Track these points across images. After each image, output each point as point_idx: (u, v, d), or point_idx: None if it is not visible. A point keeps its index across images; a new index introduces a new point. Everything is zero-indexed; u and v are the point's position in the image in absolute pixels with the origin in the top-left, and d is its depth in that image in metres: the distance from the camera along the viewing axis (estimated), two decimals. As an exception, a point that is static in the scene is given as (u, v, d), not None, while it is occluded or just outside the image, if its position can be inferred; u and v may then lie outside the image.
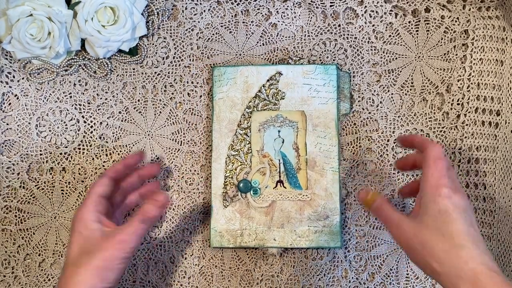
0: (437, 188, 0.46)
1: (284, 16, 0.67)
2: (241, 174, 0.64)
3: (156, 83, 0.67)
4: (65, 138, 0.66)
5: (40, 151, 0.66)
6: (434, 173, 0.47)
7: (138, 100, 0.67)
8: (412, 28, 0.66)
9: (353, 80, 0.66)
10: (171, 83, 0.67)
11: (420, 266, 0.46)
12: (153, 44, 0.67)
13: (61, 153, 0.66)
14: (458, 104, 0.65)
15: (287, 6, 0.67)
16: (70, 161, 0.66)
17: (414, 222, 0.47)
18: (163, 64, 0.67)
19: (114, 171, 0.58)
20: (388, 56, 0.66)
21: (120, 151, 0.66)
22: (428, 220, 0.46)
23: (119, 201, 0.61)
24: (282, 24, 0.67)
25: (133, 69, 0.67)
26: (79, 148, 0.66)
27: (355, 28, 0.67)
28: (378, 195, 0.52)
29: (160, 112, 0.67)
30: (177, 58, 0.67)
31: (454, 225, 0.44)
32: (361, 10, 0.67)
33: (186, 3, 0.67)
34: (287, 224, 0.63)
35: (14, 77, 0.66)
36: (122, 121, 0.67)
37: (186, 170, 0.66)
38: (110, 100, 0.67)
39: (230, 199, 0.64)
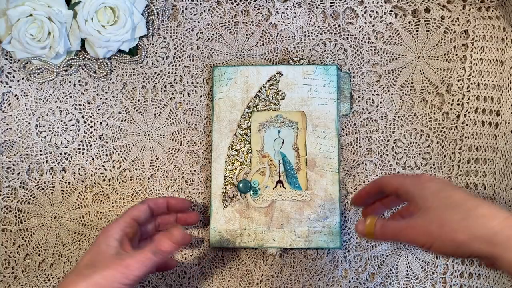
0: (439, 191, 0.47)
1: (284, 16, 0.67)
2: (241, 174, 0.64)
3: (156, 83, 0.67)
4: (65, 138, 0.66)
5: (40, 151, 0.66)
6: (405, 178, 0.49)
7: (138, 100, 0.67)
8: (412, 28, 0.66)
9: (353, 80, 0.66)
10: (171, 83, 0.67)
11: (449, 250, 0.44)
12: (153, 44, 0.67)
13: (61, 153, 0.66)
14: (458, 104, 0.65)
15: (287, 6, 0.67)
16: (70, 161, 0.66)
17: (421, 216, 0.46)
18: (163, 64, 0.67)
19: (155, 202, 0.59)
20: (388, 56, 0.66)
21: (120, 151, 0.66)
22: (434, 204, 0.45)
23: (151, 233, 0.60)
24: (282, 24, 0.67)
25: (133, 69, 0.67)
26: (79, 148, 0.66)
27: (355, 28, 0.67)
28: (374, 217, 0.50)
29: (160, 112, 0.67)
30: (177, 58, 0.67)
31: (457, 194, 0.45)
32: (361, 10, 0.66)
33: (186, 3, 0.67)
34: (286, 224, 0.63)
35: (14, 77, 0.66)
36: (122, 121, 0.67)
37: (186, 170, 0.66)
38: (110, 100, 0.67)
39: (230, 199, 0.64)
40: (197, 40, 0.67)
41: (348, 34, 0.67)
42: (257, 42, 0.67)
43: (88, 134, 0.66)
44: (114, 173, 0.66)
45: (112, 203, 0.66)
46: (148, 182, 0.66)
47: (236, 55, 0.67)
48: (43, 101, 0.66)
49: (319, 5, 0.67)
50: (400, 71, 0.66)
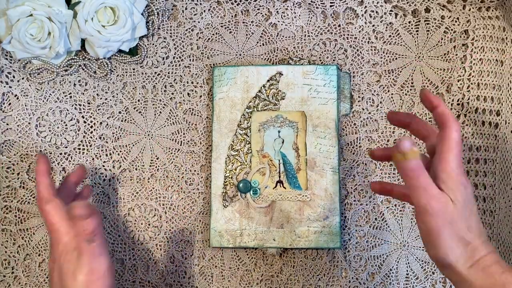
0: (457, 175, 0.46)
1: (284, 16, 0.67)
2: (241, 174, 0.64)
3: (156, 83, 0.67)
4: (65, 138, 0.66)
5: (40, 151, 0.66)
6: (455, 158, 0.47)
7: (138, 100, 0.67)
8: (412, 28, 0.66)
9: (353, 80, 0.66)
10: (171, 83, 0.67)
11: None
12: (153, 44, 0.67)
13: (61, 153, 0.66)
14: (458, 104, 0.65)
15: (287, 6, 0.67)
16: (70, 161, 0.66)
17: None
18: (163, 64, 0.67)
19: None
20: (388, 56, 0.66)
21: (120, 151, 0.66)
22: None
23: None
24: (282, 24, 0.67)
25: (133, 69, 0.67)
26: (79, 148, 0.66)
27: (355, 28, 0.67)
28: (420, 154, 0.47)
29: (160, 112, 0.67)
30: (177, 58, 0.67)
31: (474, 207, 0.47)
32: (361, 10, 0.66)
33: (186, 3, 0.67)
34: (286, 224, 0.63)
35: (14, 77, 0.66)
36: (122, 121, 0.67)
37: (186, 170, 0.66)
38: (110, 100, 0.67)
39: (230, 199, 0.64)
40: (197, 40, 0.67)
41: (348, 34, 0.67)
42: (257, 42, 0.67)
43: (88, 134, 0.66)
44: (114, 173, 0.66)
45: (112, 203, 0.66)
46: (148, 182, 0.66)
47: (236, 55, 0.67)
48: (43, 101, 0.66)
49: (319, 5, 0.67)
50: (400, 71, 0.66)
